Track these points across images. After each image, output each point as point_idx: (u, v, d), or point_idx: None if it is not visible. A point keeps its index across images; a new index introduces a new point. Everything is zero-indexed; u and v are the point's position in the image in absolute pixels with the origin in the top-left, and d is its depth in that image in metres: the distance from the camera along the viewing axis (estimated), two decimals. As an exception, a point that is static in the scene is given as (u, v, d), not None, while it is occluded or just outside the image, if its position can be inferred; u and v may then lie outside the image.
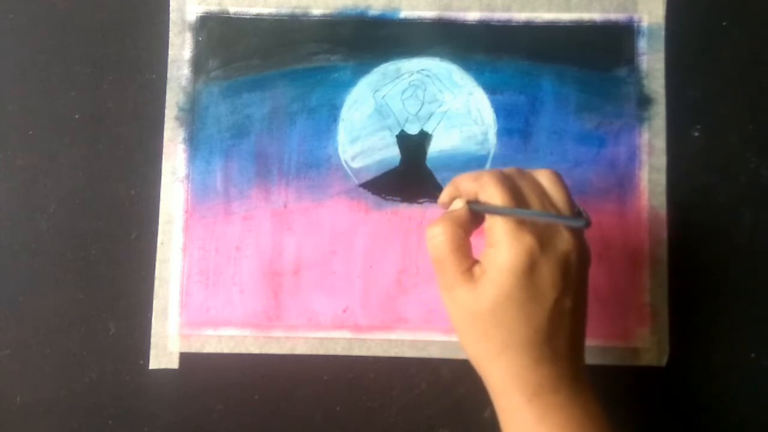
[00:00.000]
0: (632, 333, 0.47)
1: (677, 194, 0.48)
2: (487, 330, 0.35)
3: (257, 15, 0.50)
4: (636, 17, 0.49)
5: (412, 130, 0.49)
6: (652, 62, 0.49)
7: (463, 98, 0.49)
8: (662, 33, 0.49)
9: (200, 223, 0.48)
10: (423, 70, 0.49)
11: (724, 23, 0.49)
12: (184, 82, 0.49)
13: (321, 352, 0.47)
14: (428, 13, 0.49)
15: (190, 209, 0.48)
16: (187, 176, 0.49)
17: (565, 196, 0.36)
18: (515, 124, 0.49)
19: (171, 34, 0.50)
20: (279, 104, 0.49)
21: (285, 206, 0.48)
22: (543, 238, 0.34)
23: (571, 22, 0.49)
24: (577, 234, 0.36)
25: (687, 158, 0.48)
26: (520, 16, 0.49)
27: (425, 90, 0.49)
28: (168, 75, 0.49)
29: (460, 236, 0.36)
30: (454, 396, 0.47)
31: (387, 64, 0.49)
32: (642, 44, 0.49)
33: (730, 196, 0.48)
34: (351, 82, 0.49)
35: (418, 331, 0.47)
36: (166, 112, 0.49)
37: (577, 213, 0.37)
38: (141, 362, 0.47)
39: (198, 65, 0.49)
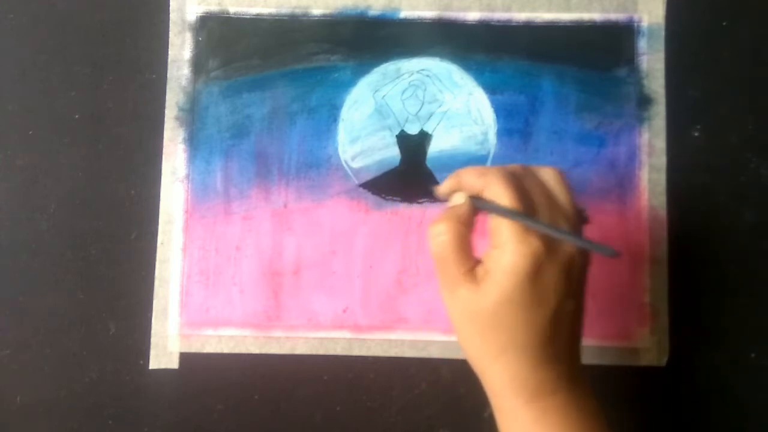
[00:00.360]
0: (632, 333, 0.47)
1: (677, 194, 0.48)
2: (487, 331, 0.35)
3: (257, 15, 0.50)
4: (636, 17, 0.49)
5: (412, 130, 0.49)
6: (652, 62, 0.49)
7: (463, 98, 0.49)
8: (662, 33, 0.49)
9: (200, 223, 0.48)
10: (423, 70, 0.49)
11: (724, 23, 0.49)
12: (184, 82, 0.49)
13: (321, 352, 0.47)
14: (428, 13, 0.49)
15: (190, 209, 0.48)
16: (187, 176, 0.49)
17: (569, 195, 0.36)
18: (515, 124, 0.49)
19: (171, 34, 0.50)
20: (279, 104, 0.49)
21: (285, 206, 0.48)
22: (548, 241, 0.34)
23: (571, 22, 0.49)
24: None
25: (687, 158, 0.48)
26: (520, 16, 0.49)
27: (425, 90, 0.49)
28: (168, 75, 0.49)
29: (463, 235, 0.35)
30: (454, 396, 0.47)
31: (387, 64, 0.49)
32: (642, 44, 0.49)
33: (730, 196, 0.48)
34: (351, 82, 0.49)
35: (418, 331, 0.47)
36: (166, 112, 0.49)
37: (578, 212, 0.36)
38: (141, 362, 0.47)
39: (198, 65, 0.49)
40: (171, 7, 0.50)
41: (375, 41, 0.49)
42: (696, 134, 0.49)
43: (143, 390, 0.47)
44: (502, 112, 0.49)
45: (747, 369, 0.47)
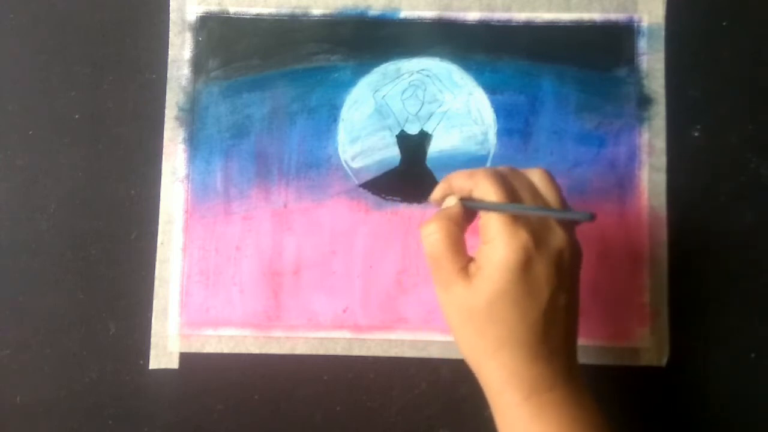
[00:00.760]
0: (632, 333, 0.47)
1: (677, 194, 0.48)
2: (483, 327, 0.35)
3: (257, 15, 0.50)
4: (636, 17, 0.49)
5: (412, 130, 0.49)
6: (652, 62, 0.49)
7: (463, 98, 0.49)
8: (662, 33, 0.49)
9: (200, 223, 0.48)
10: (423, 70, 0.49)
11: (724, 23, 0.49)
12: (184, 82, 0.49)
13: (321, 352, 0.47)
14: (428, 13, 0.49)
15: (190, 209, 0.48)
16: (187, 176, 0.49)
17: (558, 194, 0.36)
18: (515, 124, 0.49)
19: (171, 34, 0.50)
20: (279, 104, 0.49)
21: (285, 206, 0.48)
22: (537, 234, 0.34)
23: (571, 22, 0.49)
24: (570, 231, 0.36)
25: (687, 158, 0.48)
26: (520, 16, 0.49)
27: (425, 90, 0.49)
28: (168, 75, 0.49)
29: (455, 233, 0.36)
30: (454, 396, 0.47)
31: (387, 64, 0.49)
32: (642, 44, 0.49)
33: (730, 196, 0.48)
34: (351, 82, 0.49)
35: (418, 331, 0.47)
36: (166, 112, 0.49)
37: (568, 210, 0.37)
38: (141, 362, 0.47)
39: (198, 65, 0.49)
40: (171, 7, 0.50)
41: (375, 41, 0.49)
42: (696, 134, 0.49)
43: (143, 390, 0.47)
44: (502, 112, 0.49)
45: (747, 369, 0.47)
